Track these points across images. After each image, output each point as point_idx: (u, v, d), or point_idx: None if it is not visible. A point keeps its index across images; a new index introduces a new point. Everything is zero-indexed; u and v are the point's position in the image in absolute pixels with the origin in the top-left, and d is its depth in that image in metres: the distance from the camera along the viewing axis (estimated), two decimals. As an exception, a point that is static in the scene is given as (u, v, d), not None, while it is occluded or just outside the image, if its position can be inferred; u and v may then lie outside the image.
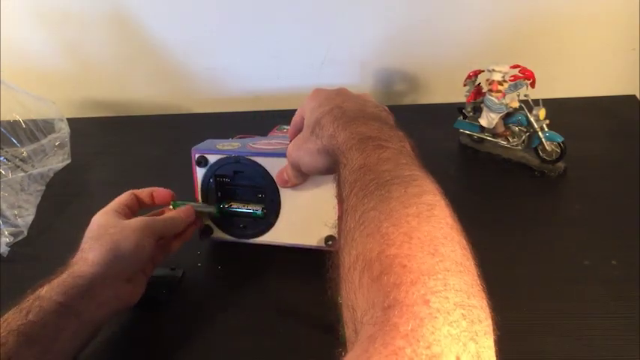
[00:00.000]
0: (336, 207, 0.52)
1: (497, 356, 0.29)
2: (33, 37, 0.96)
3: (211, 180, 0.61)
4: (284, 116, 0.92)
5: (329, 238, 0.60)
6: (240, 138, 0.66)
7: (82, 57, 0.99)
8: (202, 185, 0.61)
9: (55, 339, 0.46)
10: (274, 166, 0.58)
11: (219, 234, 0.63)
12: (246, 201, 0.62)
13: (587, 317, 0.54)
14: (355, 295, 0.31)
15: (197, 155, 0.60)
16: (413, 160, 0.40)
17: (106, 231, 0.52)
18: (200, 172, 0.61)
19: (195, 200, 0.62)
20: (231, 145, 0.61)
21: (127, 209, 0.57)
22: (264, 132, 0.74)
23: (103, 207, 0.57)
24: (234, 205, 0.62)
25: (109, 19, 0.94)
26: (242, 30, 0.94)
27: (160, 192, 0.61)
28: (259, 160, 0.58)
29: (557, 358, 0.51)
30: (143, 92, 1.03)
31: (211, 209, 0.61)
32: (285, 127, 0.71)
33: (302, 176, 0.56)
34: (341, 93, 0.51)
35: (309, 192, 0.58)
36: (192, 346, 0.55)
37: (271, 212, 0.61)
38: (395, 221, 0.33)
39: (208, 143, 0.62)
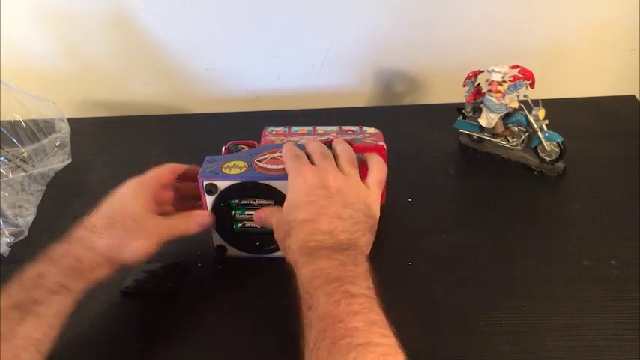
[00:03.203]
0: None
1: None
2: (33, 37, 0.96)
3: (222, 205, 0.60)
4: (284, 116, 0.92)
5: None
6: (237, 148, 0.65)
7: (82, 57, 0.99)
8: (212, 212, 0.60)
9: (56, 316, 0.47)
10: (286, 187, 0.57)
11: (233, 252, 0.63)
12: None
13: (587, 317, 0.54)
14: None
15: (206, 183, 0.58)
16: (379, 312, 0.41)
17: (123, 220, 0.53)
18: (210, 200, 0.59)
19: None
20: (237, 167, 0.58)
21: (161, 188, 0.58)
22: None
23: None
24: (248, 224, 0.62)
25: (110, 19, 0.94)
26: (242, 30, 0.94)
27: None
28: (272, 183, 0.57)
29: (556, 357, 0.51)
30: (143, 92, 1.03)
31: None
32: (275, 129, 0.70)
33: None
34: (322, 196, 0.49)
35: None
36: (191, 345, 0.55)
37: None
38: None
39: (211, 165, 0.59)
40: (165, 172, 0.60)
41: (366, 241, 0.49)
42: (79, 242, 0.51)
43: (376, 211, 0.52)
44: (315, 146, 0.56)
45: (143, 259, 0.54)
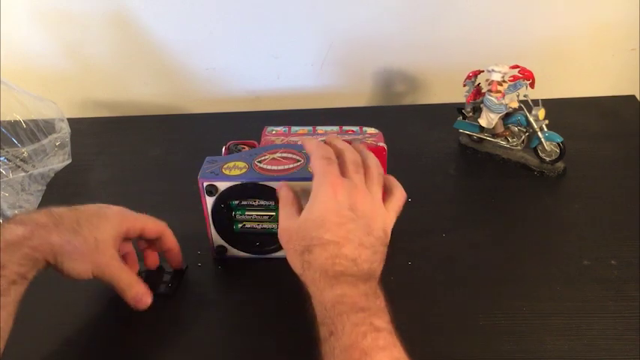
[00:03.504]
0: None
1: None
2: (33, 37, 0.96)
3: (222, 206, 0.59)
4: (284, 116, 0.92)
5: None
6: (237, 147, 0.65)
7: (82, 57, 0.99)
8: (213, 212, 0.60)
9: (14, 304, 0.47)
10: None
11: (233, 252, 0.63)
12: (260, 220, 0.61)
13: (587, 317, 0.54)
14: None
15: (206, 184, 0.58)
16: (401, 349, 0.41)
17: (89, 235, 0.51)
18: (210, 201, 0.59)
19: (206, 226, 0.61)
20: (237, 168, 0.58)
21: (137, 236, 0.57)
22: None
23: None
24: (248, 225, 0.62)
25: (110, 19, 0.94)
26: (242, 30, 0.95)
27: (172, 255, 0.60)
28: (272, 184, 0.56)
29: (556, 357, 0.51)
30: (143, 92, 1.03)
31: None
32: (275, 128, 0.70)
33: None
34: (350, 218, 0.48)
35: None
36: (191, 345, 0.55)
37: None
38: None
39: (211, 166, 0.59)
40: (154, 226, 0.58)
41: (380, 270, 0.49)
42: (40, 229, 0.50)
43: (389, 238, 0.51)
44: (346, 149, 0.53)
45: (74, 280, 0.52)
